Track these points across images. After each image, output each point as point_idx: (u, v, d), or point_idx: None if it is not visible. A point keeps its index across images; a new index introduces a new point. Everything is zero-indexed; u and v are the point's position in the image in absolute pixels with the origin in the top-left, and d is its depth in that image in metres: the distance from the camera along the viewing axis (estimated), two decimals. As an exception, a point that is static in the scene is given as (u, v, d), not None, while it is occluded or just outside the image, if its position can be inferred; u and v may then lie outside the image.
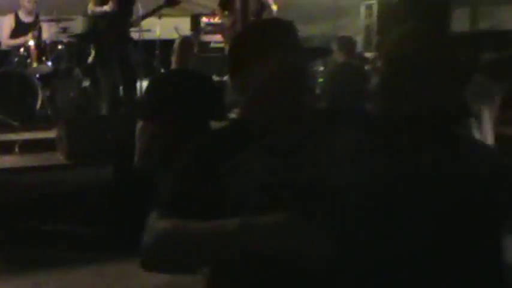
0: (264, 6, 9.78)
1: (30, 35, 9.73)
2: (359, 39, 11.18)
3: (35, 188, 8.43)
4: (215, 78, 9.14)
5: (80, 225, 7.59)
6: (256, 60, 2.21)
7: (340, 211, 2.02)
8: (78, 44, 9.86)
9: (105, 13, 8.76)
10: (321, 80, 7.62)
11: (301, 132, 2.22)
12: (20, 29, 10.00)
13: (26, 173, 8.32)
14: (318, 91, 5.36)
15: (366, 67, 10.02)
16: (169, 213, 2.14)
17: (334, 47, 8.05)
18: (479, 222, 2.17)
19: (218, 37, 11.03)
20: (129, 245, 7.09)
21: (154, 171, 5.51)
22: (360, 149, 2.17)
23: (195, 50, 6.16)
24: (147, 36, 9.64)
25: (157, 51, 9.95)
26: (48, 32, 10.26)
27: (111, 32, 8.80)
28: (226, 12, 9.95)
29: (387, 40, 2.47)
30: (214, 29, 11.10)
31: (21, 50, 9.63)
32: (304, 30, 12.48)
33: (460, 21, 11.47)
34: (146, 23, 9.43)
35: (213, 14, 10.85)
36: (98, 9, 8.77)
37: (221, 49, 10.87)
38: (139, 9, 9.08)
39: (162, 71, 9.37)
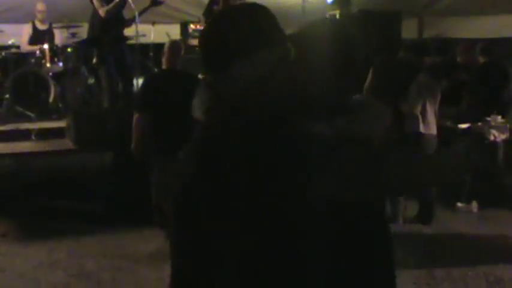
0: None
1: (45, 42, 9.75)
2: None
3: (48, 170, 8.45)
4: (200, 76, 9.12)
5: (86, 201, 7.60)
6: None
7: None
8: (84, 48, 9.85)
9: (100, 18, 8.76)
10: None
11: None
12: (36, 36, 10.01)
13: (40, 157, 8.33)
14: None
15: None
16: None
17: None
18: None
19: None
20: (126, 218, 7.19)
21: (148, 156, 5.52)
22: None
23: (183, 52, 6.11)
24: (142, 40, 9.58)
25: (151, 54, 9.88)
26: (59, 37, 10.24)
27: (107, 35, 8.80)
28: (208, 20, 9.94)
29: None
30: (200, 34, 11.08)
31: (37, 52, 9.62)
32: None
33: (409, 30, 11.52)
34: (141, 29, 9.37)
35: (199, 22, 10.81)
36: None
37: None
38: (134, 10, 9.03)
39: (156, 70, 9.34)
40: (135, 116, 5.56)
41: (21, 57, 9.85)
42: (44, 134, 8.32)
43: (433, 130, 6.96)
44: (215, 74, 1.91)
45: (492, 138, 7.73)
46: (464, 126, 7.58)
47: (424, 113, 6.89)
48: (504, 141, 6.94)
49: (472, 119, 7.81)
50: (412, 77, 7.02)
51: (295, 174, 1.72)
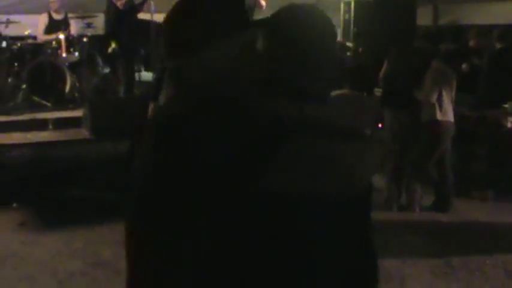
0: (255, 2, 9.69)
1: (60, 31, 9.75)
2: (339, 31, 11.15)
3: (64, 159, 8.46)
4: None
5: (102, 191, 7.60)
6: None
7: None
8: (100, 38, 9.86)
9: (117, 9, 8.78)
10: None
11: None
12: (52, 26, 10.01)
13: (57, 146, 8.35)
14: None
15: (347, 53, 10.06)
16: None
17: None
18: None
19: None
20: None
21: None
22: None
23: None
24: (158, 18, 9.53)
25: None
26: (75, 27, 10.24)
27: (123, 25, 8.81)
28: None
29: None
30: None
31: (53, 42, 9.63)
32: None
33: (424, 17, 11.43)
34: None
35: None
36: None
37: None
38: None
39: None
40: (151, 105, 5.54)
41: (37, 48, 9.85)
42: (60, 124, 8.35)
43: (450, 117, 6.89)
44: (182, 61, 1.81)
45: (510, 125, 7.70)
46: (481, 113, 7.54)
47: (440, 100, 6.81)
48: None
49: (488, 106, 7.75)
50: (427, 65, 6.95)
51: (249, 159, 1.64)
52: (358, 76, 7.93)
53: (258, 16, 9.01)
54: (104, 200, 7.32)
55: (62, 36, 9.67)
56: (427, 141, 6.86)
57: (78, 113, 8.43)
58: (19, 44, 9.71)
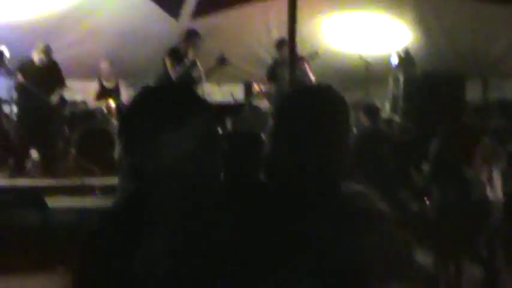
0: (304, 75, 9.77)
1: (112, 98, 9.95)
2: (387, 105, 11.16)
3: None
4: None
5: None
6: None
7: None
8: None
9: (170, 79, 8.94)
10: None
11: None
12: (103, 92, 10.23)
13: (104, 213, 8.39)
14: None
15: (394, 129, 10.03)
16: None
17: (361, 113, 8.00)
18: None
19: (266, 102, 11.08)
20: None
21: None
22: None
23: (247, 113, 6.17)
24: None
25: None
26: (126, 94, 10.43)
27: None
28: (271, 82, 10.03)
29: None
30: (263, 95, 11.19)
31: (104, 109, 9.81)
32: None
33: (473, 92, 11.37)
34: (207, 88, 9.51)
35: (262, 82, 10.91)
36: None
37: (268, 112, 10.94)
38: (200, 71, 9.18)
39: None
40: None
41: (88, 113, 10.05)
42: (107, 191, 8.41)
43: (500, 195, 6.80)
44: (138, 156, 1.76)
45: None
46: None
47: (489, 178, 6.74)
48: None
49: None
50: (476, 142, 6.91)
51: None
52: (406, 152, 7.92)
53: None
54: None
55: (112, 103, 9.86)
56: (476, 220, 6.76)
57: (126, 180, 8.50)
58: (70, 109, 9.92)
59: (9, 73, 8.91)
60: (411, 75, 10.70)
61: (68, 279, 1.83)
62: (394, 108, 10.88)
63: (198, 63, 8.97)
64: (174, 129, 1.70)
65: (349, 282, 1.82)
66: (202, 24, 10.07)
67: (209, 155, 1.72)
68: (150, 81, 10.50)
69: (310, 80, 9.73)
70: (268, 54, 11.21)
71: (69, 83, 10.17)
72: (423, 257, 6.18)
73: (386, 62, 11.04)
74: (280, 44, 9.72)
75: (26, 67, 9.08)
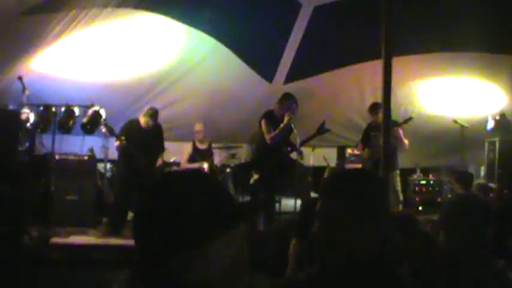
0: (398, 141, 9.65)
1: (204, 160, 10.07)
2: (483, 171, 10.91)
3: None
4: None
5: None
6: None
7: None
8: (242, 166, 10.06)
9: (266, 143, 8.97)
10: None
11: None
12: (196, 155, 10.40)
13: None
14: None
15: (490, 195, 9.75)
16: None
17: (453, 180, 7.84)
18: None
19: (359, 166, 11.00)
20: None
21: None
22: None
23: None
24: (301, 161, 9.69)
25: (309, 178, 9.95)
26: (218, 156, 10.56)
27: (270, 159, 8.96)
28: (365, 147, 9.96)
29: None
30: (356, 159, 11.12)
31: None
32: (434, 162, 12.32)
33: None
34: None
35: (356, 147, 10.86)
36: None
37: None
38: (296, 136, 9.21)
39: (312, 194, 9.34)
40: (293, 241, 5.47)
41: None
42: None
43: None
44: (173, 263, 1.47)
45: None
46: None
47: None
48: None
49: None
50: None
51: None
52: (503, 219, 7.64)
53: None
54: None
55: (205, 165, 9.98)
56: None
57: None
58: (164, 170, 10.03)
59: (112, 133, 8.91)
60: (507, 139, 10.45)
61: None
62: (489, 173, 10.62)
63: (294, 127, 8.98)
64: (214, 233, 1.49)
65: None
66: (296, 88, 10.14)
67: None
68: (242, 144, 10.62)
69: (404, 144, 9.60)
70: (361, 119, 11.17)
71: (165, 144, 10.36)
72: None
73: (482, 126, 10.85)
74: (374, 108, 9.65)
75: (131, 129, 9.02)
